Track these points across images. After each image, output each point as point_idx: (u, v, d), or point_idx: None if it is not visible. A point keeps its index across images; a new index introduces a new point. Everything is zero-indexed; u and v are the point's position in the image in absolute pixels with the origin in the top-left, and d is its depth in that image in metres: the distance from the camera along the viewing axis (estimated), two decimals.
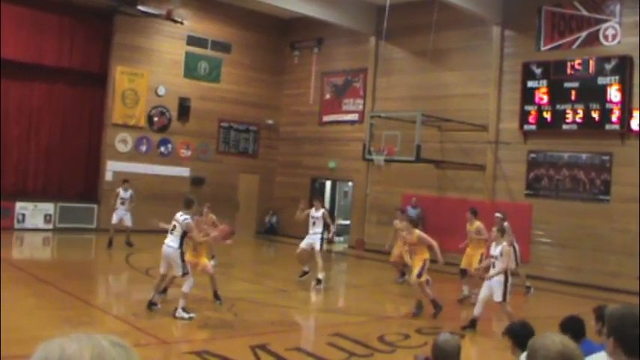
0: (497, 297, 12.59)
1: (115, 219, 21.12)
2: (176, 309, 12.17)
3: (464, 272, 16.65)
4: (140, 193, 25.08)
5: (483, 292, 12.85)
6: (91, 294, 15.04)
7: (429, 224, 21.84)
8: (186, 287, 12.32)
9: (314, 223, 17.39)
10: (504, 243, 12.85)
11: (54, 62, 25.18)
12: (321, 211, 17.66)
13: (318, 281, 16.94)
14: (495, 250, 12.78)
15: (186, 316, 12.12)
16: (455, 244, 21.44)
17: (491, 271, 12.71)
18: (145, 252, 20.16)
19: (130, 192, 21.44)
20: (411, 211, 23.88)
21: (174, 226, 12.59)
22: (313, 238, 17.25)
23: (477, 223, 16.70)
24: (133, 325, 11.41)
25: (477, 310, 12.84)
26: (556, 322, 6.86)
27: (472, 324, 12.87)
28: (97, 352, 1.60)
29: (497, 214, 17.03)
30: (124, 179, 22.32)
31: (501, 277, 12.55)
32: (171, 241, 12.51)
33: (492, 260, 12.79)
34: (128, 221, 21.14)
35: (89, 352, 1.59)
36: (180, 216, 12.63)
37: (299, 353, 10.39)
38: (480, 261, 16.18)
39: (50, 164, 25.70)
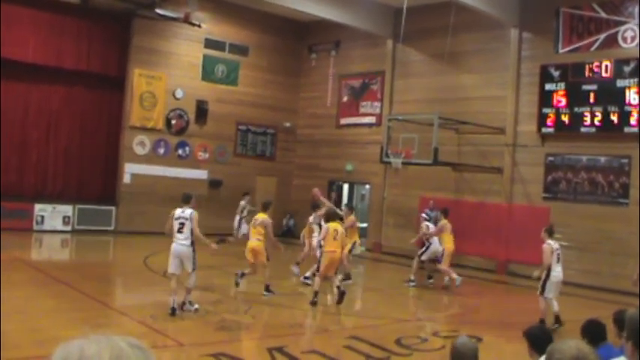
0: (538, 290, 13.74)
1: (244, 230, 21.57)
2: (183, 304, 12.54)
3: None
4: (158, 196, 25.28)
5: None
6: (108, 295, 15.12)
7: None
8: (190, 283, 12.71)
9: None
10: (548, 241, 13.79)
11: (72, 65, 25.35)
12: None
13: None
14: None
15: (192, 308, 12.62)
16: (472, 247, 21.41)
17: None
18: (163, 254, 20.22)
19: (249, 204, 22.28)
20: (429, 214, 23.90)
21: (182, 224, 12.66)
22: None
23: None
24: (151, 327, 11.44)
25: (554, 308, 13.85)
26: (574, 325, 6.85)
27: (556, 320, 13.69)
28: (115, 354, 1.61)
29: (422, 215, 20.28)
30: (245, 192, 23.49)
31: (543, 274, 13.62)
32: (183, 239, 12.61)
33: None
34: (245, 230, 21.58)
35: (108, 353, 1.60)
36: (183, 212, 12.80)
37: (316, 356, 10.39)
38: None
39: (69, 167, 25.88)
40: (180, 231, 12.64)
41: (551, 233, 14.02)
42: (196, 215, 12.78)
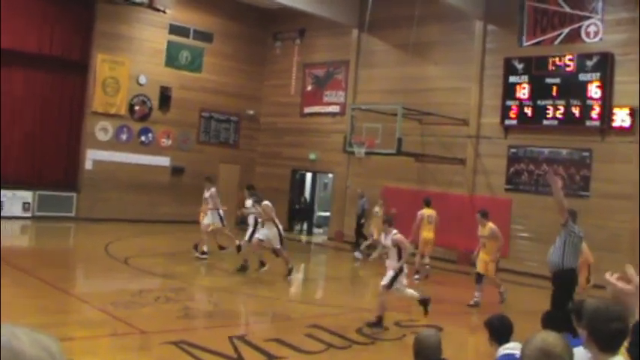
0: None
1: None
2: None
3: (479, 277, 15.52)
4: (120, 183, 25.05)
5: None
6: (69, 282, 14.96)
7: (409, 218, 21.88)
8: None
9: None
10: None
11: (35, 49, 24.89)
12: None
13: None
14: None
15: None
16: (435, 238, 21.48)
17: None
18: (125, 241, 20.10)
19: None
20: (359, 202, 24.06)
21: None
22: None
23: (490, 226, 15.66)
24: (111, 315, 11.36)
25: None
26: (535, 316, 6.91)
27: None
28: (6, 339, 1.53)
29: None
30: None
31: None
32: None
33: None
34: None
35: None
36: None
37: (277, 344, 10.38)
38: (497, 268, 15.77)
39: (30, 152, 25.39)
40: None
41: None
42: None
